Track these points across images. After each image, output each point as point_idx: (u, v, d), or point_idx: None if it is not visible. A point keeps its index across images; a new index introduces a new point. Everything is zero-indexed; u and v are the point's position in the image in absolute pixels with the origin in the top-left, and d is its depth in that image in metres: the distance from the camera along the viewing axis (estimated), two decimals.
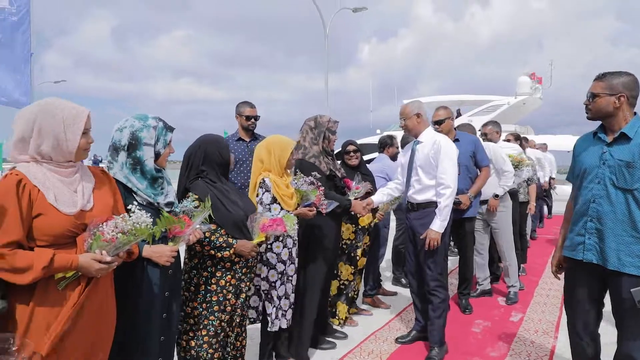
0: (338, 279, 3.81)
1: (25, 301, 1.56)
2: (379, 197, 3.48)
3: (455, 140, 3.86)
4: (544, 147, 10.25)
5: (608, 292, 2.23)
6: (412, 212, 3.27)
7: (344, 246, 3.79)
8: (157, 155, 2.09)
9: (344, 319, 3.84)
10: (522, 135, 6.96)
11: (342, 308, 3.84)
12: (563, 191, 12.55)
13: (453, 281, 4.80)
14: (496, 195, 4.42)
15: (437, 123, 3.99)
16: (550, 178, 8.81)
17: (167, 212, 2.05)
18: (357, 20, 18.42)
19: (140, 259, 1.97)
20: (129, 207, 1.76)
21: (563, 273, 2.45)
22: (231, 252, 2.38)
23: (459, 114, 19.63)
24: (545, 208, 9.36)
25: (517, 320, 4.01)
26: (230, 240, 2.39)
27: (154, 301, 2.05)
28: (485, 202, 4.41)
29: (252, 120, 3.96)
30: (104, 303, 1.75)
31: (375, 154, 5.68)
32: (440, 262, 3.20)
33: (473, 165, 4.01)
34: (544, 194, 8.39)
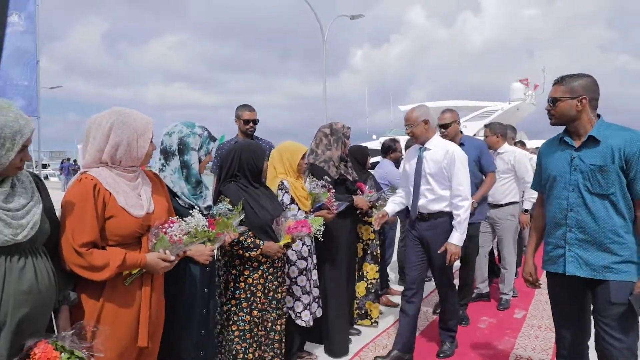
0: (365, 279, 3.97)
1: (95, 296, 1.72)
2: (392, 207, 3.37)
3: (460, 145, 3.76)
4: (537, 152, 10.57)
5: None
6: (422, 222, 3.17)
7: (366, 247, 3.97)
8: (199, 162, 2.26)
9: (376, 317, 4.00)
10: (518, 140, 6.95)
11: (374, 308, 3.99)
12: None
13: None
14: (526, 210, 4.33)
15: (443, 127, 3.85)
16: None
17: (205, 215, 2.22)
18: (351, 26, 18.63)
19: (183, 259, 2.11)
20: (191, 212, 1.93)
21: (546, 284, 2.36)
22: (258, 252, 2.54)
23: None
24: None
25: (521, 317, 4.21)
26: (257, 241, 2.55)
27: (195, 297, 2.22)
28: (495, 206, 4.36)
29: (251, 123, 3.90)
30: (160, 298, 1.93)
31: (377, 158, 5.82)
32: (452, 272, 3.27)
33: (478, 170, 3.89)
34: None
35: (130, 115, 1.82)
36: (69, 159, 26.98)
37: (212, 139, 2.33)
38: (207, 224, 1.92)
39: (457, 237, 3.01)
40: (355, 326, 3.89)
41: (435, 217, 3.11)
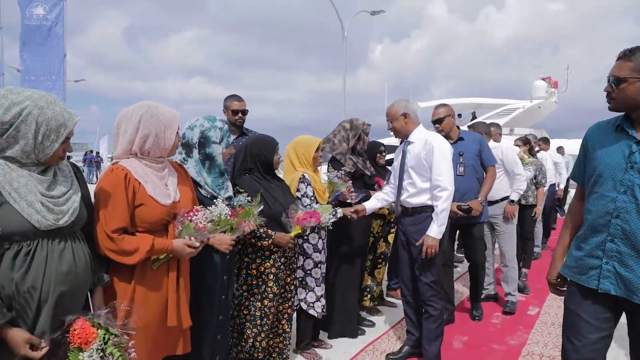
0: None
1: (127, 279, 1.85)
2: (373, 203, 3.28)
3: (460, 139, 3.74)
4: (561, 151, 9.82)
5: (627, 323, 1.84)
6: (407, 217, 3.07)
7: (375, 240, 4.06)
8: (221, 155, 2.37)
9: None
10: (542, 137, 6.70)
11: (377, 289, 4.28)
12: None
13: (459, 288, 4.84)
14: (512, 201, 4.26)
15: (437, 122, 3.73)
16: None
17: (226, 205, 2.33)
18: (370, 22, 18.50)
19: (205, 247, 2.19)
20: (214, 201, 2.05)
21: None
22: (269, 242, 2.65)
23: (474, 117, 19.78)
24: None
25: (535, 313, 4.24)
26: (269, 231, 2.65)
27: (215, 284, 2.33)
28: (490, 202, 4.19)
29: (240, 114, 3.70)
30: (186, 282, 2.05)
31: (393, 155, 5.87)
32: (436, 270, 3.00)
33: (480, 165, 3.79)
34: (557, 203, 7.41)
35: (157, 108, 1.93)
36: (91, 151, 27.57)
37: (233, 132, 2.44)
38: (229, 213, 2.03)
39: (435, 230, 2.87)
40: (371, 318, 3.98)
41: (420, 212, 2.99)
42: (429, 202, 2.96)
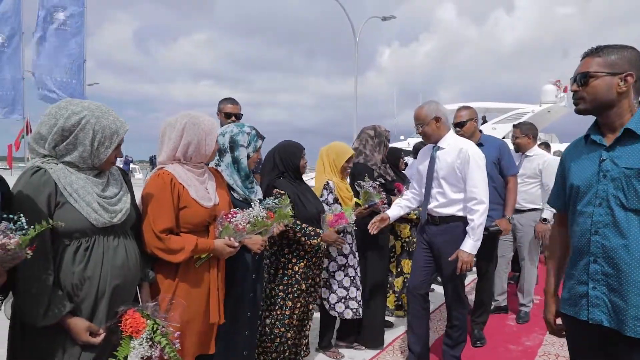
0: (402, 275, 4.22)
1: (171, 276, 1.98)
2: (396, 211, 3.15)
3: (479, 145, 3.46)
4: None
5: None
6: (432, 226, 2.94)
7: (404, 244, 4.18)
8: (247, 158, 2.48)
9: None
10: (542, 141, 6.50)
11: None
12: None
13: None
14: (544, 220, 3.99)
15: (459, 125, 3.57)
16: None
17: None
18: (379, 25, 18.49)
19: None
20: (251, 204, 2.17)
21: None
22: (318, 240, 2.78)
23: (484, 121, 19.82)
24: None
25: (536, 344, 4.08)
26: (317, 230, 2.80)
27: (245, 282, 2.44)
28: (518, 211, 4.01)
29: (233, 118, 3.53)
30: (223, 279, 2.18)
31: (406, 159, 5.97)
32: (463, 282, 3.00)
33: (498, 173, 3.57)
34: None
35: (199, 117, 2.06)
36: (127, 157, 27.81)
37: (260, 137, 2.56)
38: (265, 214, 2.15)
39: (470, 244, 2.75)
40: (388, 318, 4.07)
41: (447, 222, 2.87)
42: (459, 214, 2.84)
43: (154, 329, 1.69)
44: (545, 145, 7.13)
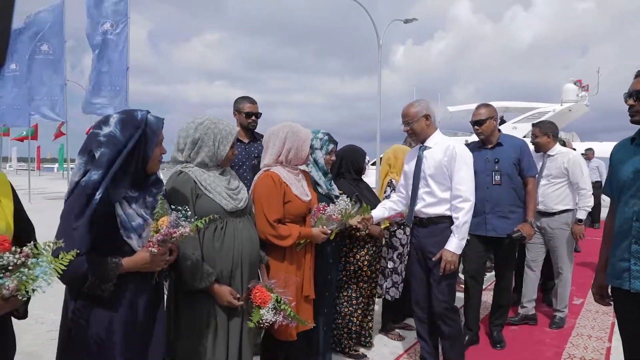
0: None
1: (280, 259, 2.43)
2: (380, 212, 3.04)
3: (499, 145, 3.47)
4: (590, 154, 10.21)
5: None
6: (420, 228, 2.87)
7: None
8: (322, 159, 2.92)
9: None
10: (561, 139, 6.62)
11: None
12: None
13: (488, 299, 4.26)
14: (579, 220, 3.88)
15: (477, 123, 3.45)
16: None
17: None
18: (394, 24, 18.48)
19: None
20: (337, 195, 2.61)
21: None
22: (366, 232, 3.18)
23: (502, 121, 19.98)
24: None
25: (570, 325, 4.14)
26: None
27: (326, 266, 2.86)
28: (547, 214, 3.97)
29: (253, 117, 3.48)
30: (313, 262, 2.62)
31: None
32: (452, 285, 2.84)
33: (517, 174, 3.46)
34: None
35: (297, 127, 2.54)
36: None
37: (333, 141, 2.98)
38: (349, 207, 2.58)
39: (454, 244, 2.67)
40: None
41: (436, 223, 2.79)
42: (447, 213, 2.76)
43: (278, 300, 2.12)
44: (562, 144, 7.21)
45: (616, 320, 2.12)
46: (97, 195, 1.55)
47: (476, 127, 3.46)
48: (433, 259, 2.74)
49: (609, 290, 2.17)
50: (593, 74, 20.80)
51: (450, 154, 2.74)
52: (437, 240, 2.75)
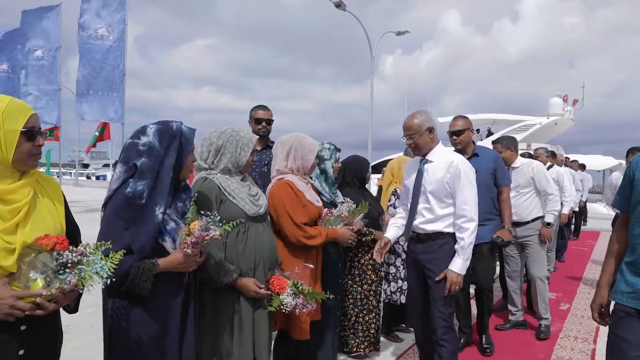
0: None
1: (300, 257, 2.60)
2: (394, 232, 2.95)
3: (475, 155, 3.56)
4: (574, 166, 10.05)
5: None
6: (418, 244, 2.81)
7: None
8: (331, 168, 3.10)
9: None
10: (550, 149, 6.61)
11: None
12: (594, 209, 13.07)
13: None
14: (548, 224, 4.11)
15: (455, 134, 3.54)
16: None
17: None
18: (386, 36, 18.69)
19: None
20: (341, 201, 2.83)
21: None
22: (372, 237, 3.35)
23: (490, 133, 20.38)
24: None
25: (566, 309, 4.83)
26: (371, 229, 3.37)
27: (335, 268, 3.00)
28: (520, 224, 4.14)
29: (264, 123, 3.54)
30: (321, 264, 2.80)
31: None
32: (451, 303, 2.77)
33: (493, 183, 3.61)
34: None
35: (304, 137, 2.71)
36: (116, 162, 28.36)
37: (337, 149, 3.15)
38: (353, 208, 2.79)
39: (459, 264, 2.63)
40: None
41: (433, 239, 2.73)
42: (445, 230, 2.71)
43: (295, 284, 2.29)
44: (553, 155, 6.98)
45: (609, 341, 1.94)
46: (144, 202, 1.75)
47: (454, 137, 3.58)
48: (436, 279, 2.68)
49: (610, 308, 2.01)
50: (578, 88, 21.41)
51: (454, 171, 2.65)
52: (434, 257, 2.72)
